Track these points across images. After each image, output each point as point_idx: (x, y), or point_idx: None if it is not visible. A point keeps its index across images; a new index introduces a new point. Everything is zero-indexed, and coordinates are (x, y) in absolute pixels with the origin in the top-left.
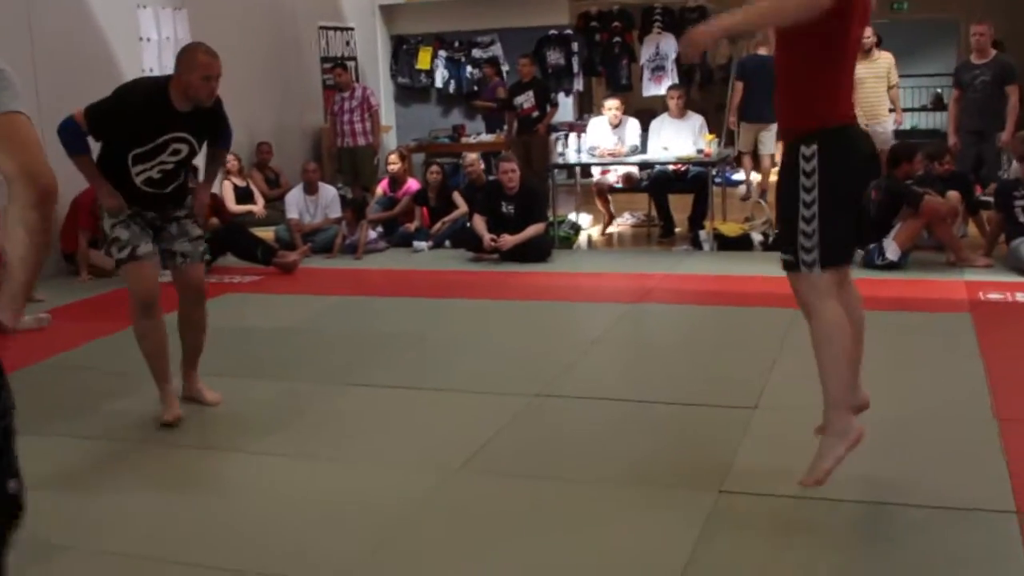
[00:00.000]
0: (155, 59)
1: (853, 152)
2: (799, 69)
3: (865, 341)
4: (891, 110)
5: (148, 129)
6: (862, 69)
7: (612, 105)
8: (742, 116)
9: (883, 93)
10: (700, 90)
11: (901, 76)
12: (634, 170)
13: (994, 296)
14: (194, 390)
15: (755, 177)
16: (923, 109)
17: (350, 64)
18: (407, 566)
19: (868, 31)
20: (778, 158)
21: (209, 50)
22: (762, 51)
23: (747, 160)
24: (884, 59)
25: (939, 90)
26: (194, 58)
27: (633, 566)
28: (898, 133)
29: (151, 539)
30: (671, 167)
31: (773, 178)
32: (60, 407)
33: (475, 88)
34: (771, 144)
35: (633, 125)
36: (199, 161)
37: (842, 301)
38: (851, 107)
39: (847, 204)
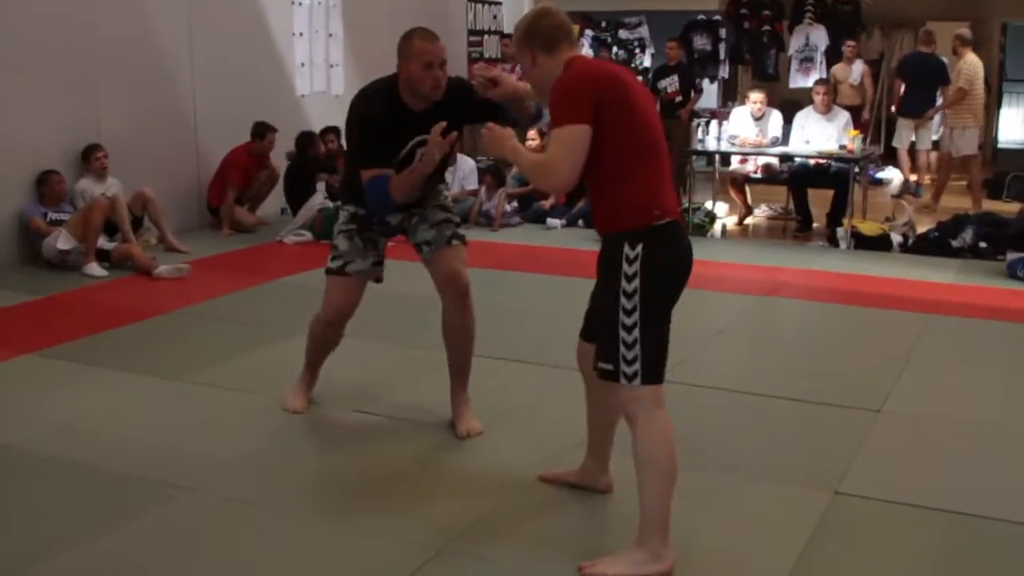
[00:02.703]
0: (306, 15)
1: (677, 254)
2: (610, 171)
3: (1001, 352)
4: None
5: (392, 140)
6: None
7: (756, 98)
8: (900, 111)
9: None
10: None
11: None
12: (774, 161)
13: None
14: (457, 411)
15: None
16: None
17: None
18: (506, 534)
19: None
20: (933, 157)
21: (427, 33)
22: (923, 49)
23: (903, 154)
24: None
25: None
26: (410, 46)
27: (742, 559)
28: None
29: (258, 484)
30: (812, 161)
31: (928, 176)
32: (195, 354)
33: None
34: (928, 140)
35: (776, 117)
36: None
37: None
38: (674, 198)
39: (668, 311)
